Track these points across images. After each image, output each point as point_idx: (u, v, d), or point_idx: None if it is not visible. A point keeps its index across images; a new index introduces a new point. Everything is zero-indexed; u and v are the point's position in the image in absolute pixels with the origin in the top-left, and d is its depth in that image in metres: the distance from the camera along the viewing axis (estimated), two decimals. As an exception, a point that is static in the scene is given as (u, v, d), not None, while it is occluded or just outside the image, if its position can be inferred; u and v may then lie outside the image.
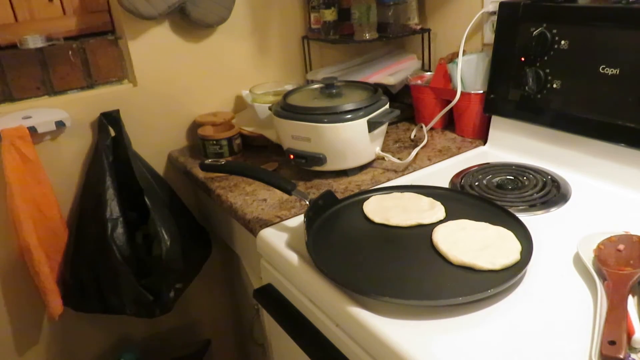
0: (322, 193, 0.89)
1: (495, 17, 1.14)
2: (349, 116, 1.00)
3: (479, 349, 0.59)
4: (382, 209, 0.85)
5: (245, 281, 1.25)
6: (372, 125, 1.02)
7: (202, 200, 1.34)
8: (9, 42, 1.13)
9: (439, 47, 1.38)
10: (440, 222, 0.81)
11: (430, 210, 0.83)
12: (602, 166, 0.93)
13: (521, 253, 0.71)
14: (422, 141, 1.16)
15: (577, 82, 0.95)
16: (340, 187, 1.02)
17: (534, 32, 0.99)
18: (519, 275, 0.68)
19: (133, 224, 1.17)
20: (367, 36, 1.28)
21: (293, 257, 0.80)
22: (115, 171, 1.16)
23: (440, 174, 1.02)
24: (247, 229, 0.95)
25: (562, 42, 0.96)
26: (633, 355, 0.55)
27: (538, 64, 1.00)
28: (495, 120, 1.12)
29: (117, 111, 1.20)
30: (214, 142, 1.20)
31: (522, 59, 1.03)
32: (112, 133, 1.20)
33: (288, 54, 1.43)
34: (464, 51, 1.16)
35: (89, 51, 1.21)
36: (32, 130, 1.08)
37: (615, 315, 0.58)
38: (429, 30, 1.38)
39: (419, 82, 1.28)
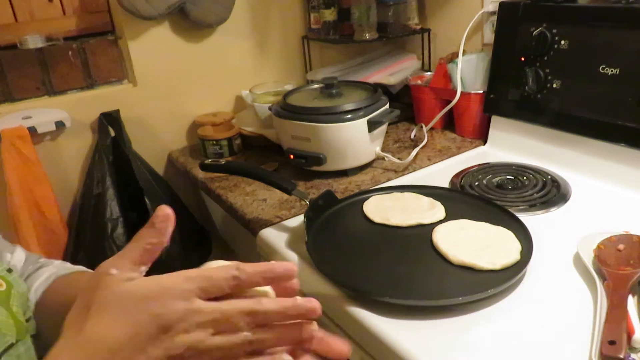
0: (322, 193, 0.89)
1: (495, 17, 1.14)
2: (349, 116, 1.00)
3: (479, 348, 0.59)
4: (382, 209, 0.85)
5: (245, 281, 1.25)
6: (372, 125, 1.02)
7: (202, 200, 1.34)
8: (9, 42, 1.13)
9: (439, 47, 1.38)
10: (440, 222, 0.81)
11: (430, 210, 0.83)
12: (602, 166, 0.92)
13: (521, 253, 0.71)
14: (422, 141, 1.16)
15: (577, 82, 0.95)
16: (340, 187, 1.02)
17: (534, 32, 0.99)
18: (519, 275, 0.67)
19: (133, 224, 1.17)
20: (367, 36, 1.28)
21: (293, 257, 0.80)
22: (115, 171, 1.16)
23: (440, 174, 1.02)
24: (247, 229, 0.95)
25: (562, 42, 0.96)
26: (633, 355, 0.55)
27: (538, 64, 1.00)
28: (495, 120, 1.12)
29: (117, 111, 1.20)
30: (214, 142, 1.20)
31: (522, 59, 1.03)
32: (112, 133, 1.20)
33: (288, 54, 1.43)
34: (464, 51, 1.16)
35: (89, 51, 1.21)
36: (32, 130, 1.08)
37: (615, 315, 0.58)
38: (429, 30, 1.38)
39: (419, 82, 1.28)
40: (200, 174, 1.14)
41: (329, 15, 1.31)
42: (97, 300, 0.36)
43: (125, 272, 0.38)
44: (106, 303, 0.36)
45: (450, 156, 1.11)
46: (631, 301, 0.60)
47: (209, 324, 0.36)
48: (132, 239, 0.40)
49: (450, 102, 1.17)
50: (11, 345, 0.47)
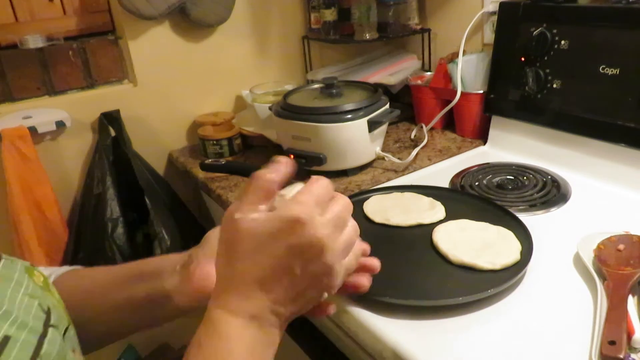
0: (322, 193, 0.89)
1: (495, 17, 1.14)
2: (349, 116, 1.00)
3: (479, 348, 0.59)
4: (382, 209, 0.85)
5: (246, 281, 1.25)
6: (372, 125, 1.02)
7: (202, 200, 1.34)
8: (9, 42, 1.13)
9: (439, 47, 1.38)
10: (441, 222, 0.81)
11: (430, 210, 0.83)
12: (602, 166, 0.93)
13: (521, 253, 0.71)
14: (422, 141, 1.16)
15: (577, 82, 0.95)
16: (340, 187, 1.02)
17: (534, 32, 0.99)
18: (519, 275, 0.67)
19: (133, 224, 1.17)
20: (367, 36, 1.28)
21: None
22: (115, 171, 1.16)
23: (440, 174, 1.02)
24: (247, 229, 0.95)
25: (562, 42, 0.96)
26: (633, 355, 0.55)
27: (538, 64, 1.00)
28: (495, 120, 1.12)
29: (117, 111, 1.20)
30: (214, 142, 1.20)
31: (522, 59, 1.03)
32: (112, 133, 1.20)
33: (288, 54, 1.43)
34: (464, 51, 1.16)
35: (89, 51, 1.21)
36: (32, 130, 1.08)
37: (615, 315, 0.58)
38: (429, 30, 1.38)
39: (419, 82, 1.28)
40: (201, 174, 1.14)
41: (329, 15, 1.31)
42: (236, 246, 0.43)
43: (247, 214, 0.43)
44: (245, 246, 0.42)
45: (451, 156, 1.11)
46: (631, 301, 0.60)
47: (329, 235, 0.43)
48: (250, 182, 0.45)
49: (450, 102, 1.17)
50: (67, 328, 0.49)
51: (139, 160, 1.21)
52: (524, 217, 0.79)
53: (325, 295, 0.45)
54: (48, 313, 0.46)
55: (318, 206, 0.43)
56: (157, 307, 0.58)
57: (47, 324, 0.44)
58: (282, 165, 0.46)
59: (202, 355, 0.42)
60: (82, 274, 0.64)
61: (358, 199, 0.91)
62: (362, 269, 0.53)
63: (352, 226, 0.46)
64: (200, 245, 0.58)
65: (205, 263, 0.56)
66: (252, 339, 0.43)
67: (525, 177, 0.96)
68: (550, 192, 0.91)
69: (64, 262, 1.17)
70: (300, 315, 0.47)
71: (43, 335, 0.43)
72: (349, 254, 0.46)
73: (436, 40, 1.39)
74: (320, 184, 0.45)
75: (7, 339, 0.39)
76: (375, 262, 0.54)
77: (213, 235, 0.58)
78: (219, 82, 1.35)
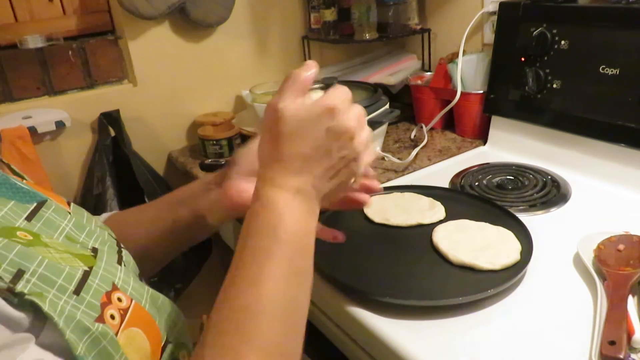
0: (322, 193, 0.89)
1: (495, 17, 1.14)
2: (349, 116, 1.00)
3: (479, 349, 0.59)
4: (382, 209, 0.85)
5: (245, 281, 1.25)
6: (372, 125, 1.01)
7: (202, 200, 1.34)
8: (9, 42, 1.13)
9: (439, 47, 1.38)
10: (440, 222, 0.81)
11: (430, 210, 0.83)
12: (602, 166, 0.93)
13: (521, 253, 0.71)
14: (422, 141, 1.16)
15: (577, 82, 0.95)
16: (340, 187, 1.01)
17: (534, 32, 0.99)
18: (519, 275, 0.67)
19: (133, 224, 1.17)
20: (367, 36, 1.28)
21: (293, 257, 0.80)
22: (115, 171, 1.16)
23: (440, 174, 1.02)
24: (247, 229, 0.95)
25: (562, 42, 0.96)
26: (633, 355, 0.55)
27: (538, 64, 1.00)
28: (495, 120, 1.12)
29: (117, 111, 1.20)
30: (214, 142, 1.20)
31: (522, 59, 1.03)
32: (112, 133, 1.20)
33: (288, 54, 1.43)
34: (464, 51, 1.16)
35: (89, 51, 1.21)
36: (32, 130, 1.08)
37: (615, 315, 0.58)
38: (429, 30, 1.38)
39: (419, 82, 1.28)
40: (201, 174, 1.14)
41: (329, 15, 1.31)
42: (282, 130, 0.48)
43: (290, 104, 0.48)
44: (289, 130, 0.48)
45: (450, 156, 1.11)
46: (631, 301, 0.60)
47: (357, 127, 0.49)
48: (284, 81, 0.50)
49: (450, 102, 1.17)
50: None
51: (139, 160, 1.21)
52: (524, 217, 0.79)
53: (352, 180, 0.52)
54: (117, 239, 0.56)
55: (346, 103, 0.49)
56: (196, 226, 0.65)
57: (119, 245, 0.54)
58: (313, 67, 0.52)
59: (258, 222, 0.49)
60: (123, 215, 0.72)
61: (358, 199, 0.90)
62: (364, 188, 0.60)
63: (368, 129, 0.52)
64: (232, 165, 0.63)
65: (239, 180, 0.62)
66: (298, 208, 0.49)
67: (525, 177, 0.96)
68: (550, 192, 0.91)
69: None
70: (335, 207, 0.59)
71: (119, 251, 0.53)
72: (367, 150, 0.52)
73: (436, 40, 1.39)
74: (344, 89, 0.51)
75: (95, 250, 0.48)
76: (376, 184, 0.61)
77: (244, 155, 0.63)
78: (219, 82, 1.35)
